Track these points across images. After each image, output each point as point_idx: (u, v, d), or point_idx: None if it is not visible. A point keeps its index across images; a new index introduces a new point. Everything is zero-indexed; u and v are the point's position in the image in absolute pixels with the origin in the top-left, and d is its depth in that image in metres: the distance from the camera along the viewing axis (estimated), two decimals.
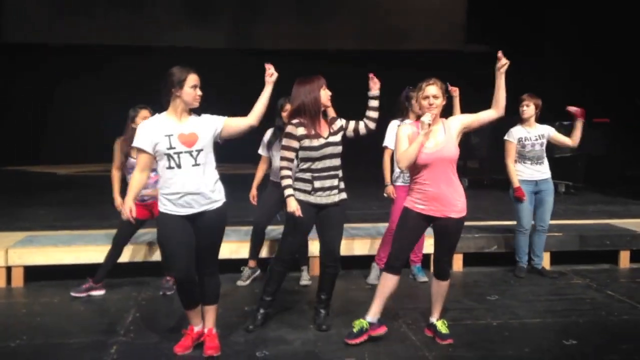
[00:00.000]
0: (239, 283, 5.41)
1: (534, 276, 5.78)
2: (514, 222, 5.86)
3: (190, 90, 3.70)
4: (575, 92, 6.34)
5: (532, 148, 5.61)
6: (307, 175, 4.20)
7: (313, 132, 4.17)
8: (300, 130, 4.16)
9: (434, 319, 4.25)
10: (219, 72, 15.14)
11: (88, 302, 4.95)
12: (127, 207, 3.67)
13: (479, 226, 6.65)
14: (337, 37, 15.77)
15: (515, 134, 5.66)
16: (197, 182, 3.70)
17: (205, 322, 3.95)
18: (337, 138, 4.27)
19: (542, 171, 5.67)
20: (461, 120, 4.12)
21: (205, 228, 3.77)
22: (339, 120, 4.35)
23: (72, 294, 5.04)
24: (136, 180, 3.77)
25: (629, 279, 5.89)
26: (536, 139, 5.61)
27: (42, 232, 6.28)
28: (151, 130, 3.69)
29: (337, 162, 4.27)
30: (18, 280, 5.42)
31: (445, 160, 3.96)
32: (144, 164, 3.75)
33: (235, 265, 5.57)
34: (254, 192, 5.36)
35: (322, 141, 4.18)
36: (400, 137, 4.04)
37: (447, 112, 4.66)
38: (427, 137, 3.95)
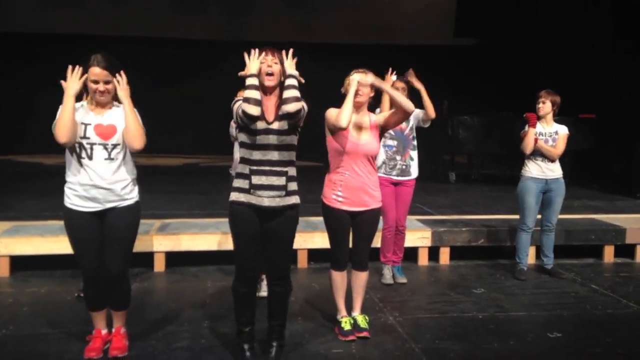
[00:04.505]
0: None
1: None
2: (502, 216, 5.89)
3: (90, 83, 3.48)
4: (564, 87, 6.39)
5: (544, 145, 5.52)
6: (246, 169, 3.53)
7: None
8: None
9: (355, 313, 4.23)
10: (208, 64, 15.11)
11: (75, 293, 4.93)
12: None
13: (466, 220, 6.70)
14: (327, 31, 15.74)
15: None
16: (107, 178, 3.52)
17: (113, 323, 3.81)
18: (285, 125, 3.50)
19: (553, 170, 5.56)
20: (384, 117, 4.12)
21: (113, 225, 3.57)
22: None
23: None
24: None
25: (613, 273, 5.96)
26: (550, 136, 5.53)
27: (28, 222, 6.24)
28: None
29: (282, 155, 3.53)
30: (4, 270, 5.40)
31: (367, 155, 4.02)
32: None
33: (221, 257, 5.58)
34: None
35: (262, 126, 3.48)
36: (332, 111, 3.99)
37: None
38: (359, 115, 3.99)
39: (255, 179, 3.51)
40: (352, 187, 4.01)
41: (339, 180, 4.02)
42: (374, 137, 4.05)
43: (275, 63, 3.52)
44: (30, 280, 5.30)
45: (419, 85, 5.16)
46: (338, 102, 4.06)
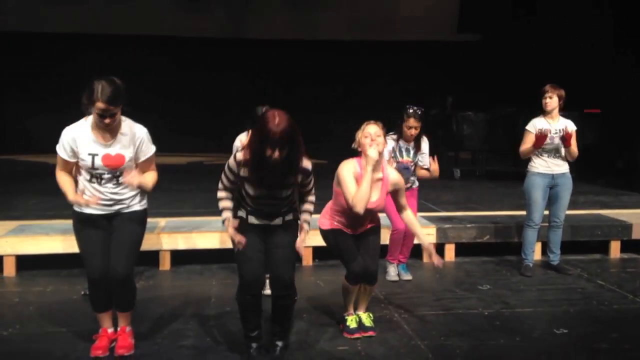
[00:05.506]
0: None
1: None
2: (507, 213, 5.86)
3: (95, 115, 3.45)
4: (568, 81, 6.34)
5: (550, 141, 5.39)
6: (247, 200, 3.60)
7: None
8: (243, 172, 3.49)
9: (359, 311, 4.23)
10: (211, 62, 15.11)
11: (81, 291, 4.94)
12: (81, 199, 3.52)
13: (471, 217, 6.69)
14: (330, 27, 15.70)
15: (537, 124, 5.46)
16: (116, 198, 3.64)
17: (119, 322, 3.83)
18: (285, 192, 3.54)
19: (559, 165, 5.49)
20: (395, 186, 4.08)
21: (120, 227, 3.65)
22: (302, 176, 3.57)
23: None
24: (65, 181, 3.61)
25: (619, 268, 5.94)
26: (556, 133, 5.41)
27: (33, 221, 6.25)
28: (74, 144, 3.51)
29: (282, 193, 3.56)
30: (10, 269, 5.42)
31: (372, 211, 4.02)
32: (68, 168, 3.63)
33: (226, 255, 5.57)
34: None
35: (263, 192, 3.52)
36: (346, 178, 3.87)
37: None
38: (374, 171, 3.88)
39: (252, 219, 3.60)
40: (353, 223, 4.04)
41: (341, 222, 4.05)
42: (383, 196, 4.02)
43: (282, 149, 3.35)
44: (36, 279, 5.31)
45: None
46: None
